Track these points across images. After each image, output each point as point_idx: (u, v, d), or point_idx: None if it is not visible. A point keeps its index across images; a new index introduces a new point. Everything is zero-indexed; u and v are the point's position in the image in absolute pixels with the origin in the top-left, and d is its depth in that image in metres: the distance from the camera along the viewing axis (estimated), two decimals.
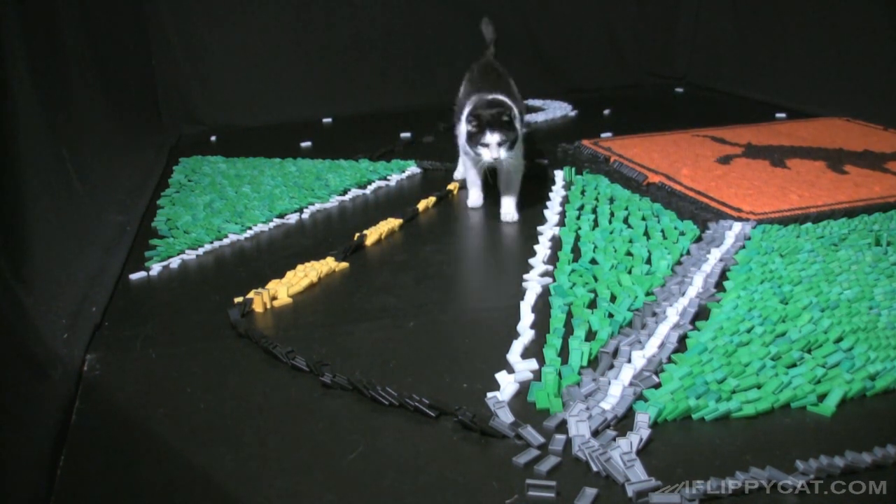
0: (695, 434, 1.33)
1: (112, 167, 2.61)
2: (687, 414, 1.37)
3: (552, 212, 2.43)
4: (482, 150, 2.20)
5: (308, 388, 1.52)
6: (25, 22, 1.85)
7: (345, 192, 2.75)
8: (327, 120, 4.00)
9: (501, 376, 1.50)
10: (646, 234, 2.21)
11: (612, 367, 1.53)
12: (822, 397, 1.40)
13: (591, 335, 1.66)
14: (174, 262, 2.18)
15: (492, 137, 2.17)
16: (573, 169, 2.82)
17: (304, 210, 2.58)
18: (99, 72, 2.71)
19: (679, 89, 4.50)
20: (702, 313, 1.73)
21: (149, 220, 2.52)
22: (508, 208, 2.40)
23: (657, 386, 1.45)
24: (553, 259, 2.08)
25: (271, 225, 2.47)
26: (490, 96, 2.32)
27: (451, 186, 2.73)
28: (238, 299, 1.90)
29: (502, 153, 2.19)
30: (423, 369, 1.56)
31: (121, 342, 1.74)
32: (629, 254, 2.06)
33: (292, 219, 2.52)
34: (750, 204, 2.35)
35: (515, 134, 2.22)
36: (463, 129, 2.33)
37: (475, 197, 2.53)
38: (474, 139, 2.21)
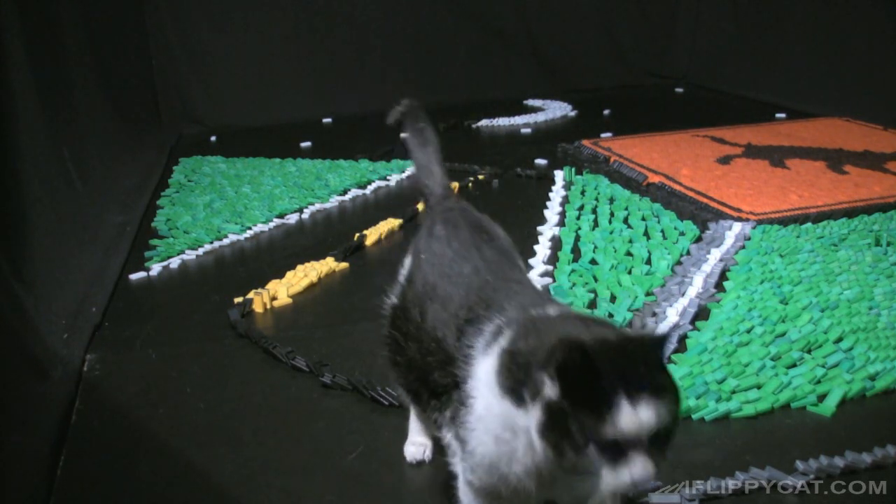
0: (695, 434, 1.33)
1: (112, 167, 2.60)
2: (687, 414, 1.37)
3: (552, 212, 2.42)
4: (609, 476, 0.76)
5: (308, 388, 1.52)
6: (26, 22, 1.85)
7: (345, 192, 2.75)
8: (327, 120, 4.00)
9: None
10: (646, 234, 2.21)
11: None
12: (822, 397, 1.40)
13: None
14: (174, 263, 2.18)
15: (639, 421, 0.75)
16: (573, 169, 2.82)
17: (304, 210, 2.57)
18: (99, 72, 2.71)
19: (679, 89, 4.50)
20: (702, 313, 1.73)
21: (149, 220, 2.52)
22: None
23: None
24: (553, 259, 2.08)
25: (271, 225, 2.46)
26: (545, 310, 0.92)
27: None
28: (238, 299, 1.90)
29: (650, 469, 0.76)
30: None
31: (121, 342, 1.74)
32: (629, 254, 2.06)
33: (292, 219, 2.52)
34: (750, 204, 2.35)
35: None
36: (534, 413, 0.79)
37: (415, 448, 1.30)
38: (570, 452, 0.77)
